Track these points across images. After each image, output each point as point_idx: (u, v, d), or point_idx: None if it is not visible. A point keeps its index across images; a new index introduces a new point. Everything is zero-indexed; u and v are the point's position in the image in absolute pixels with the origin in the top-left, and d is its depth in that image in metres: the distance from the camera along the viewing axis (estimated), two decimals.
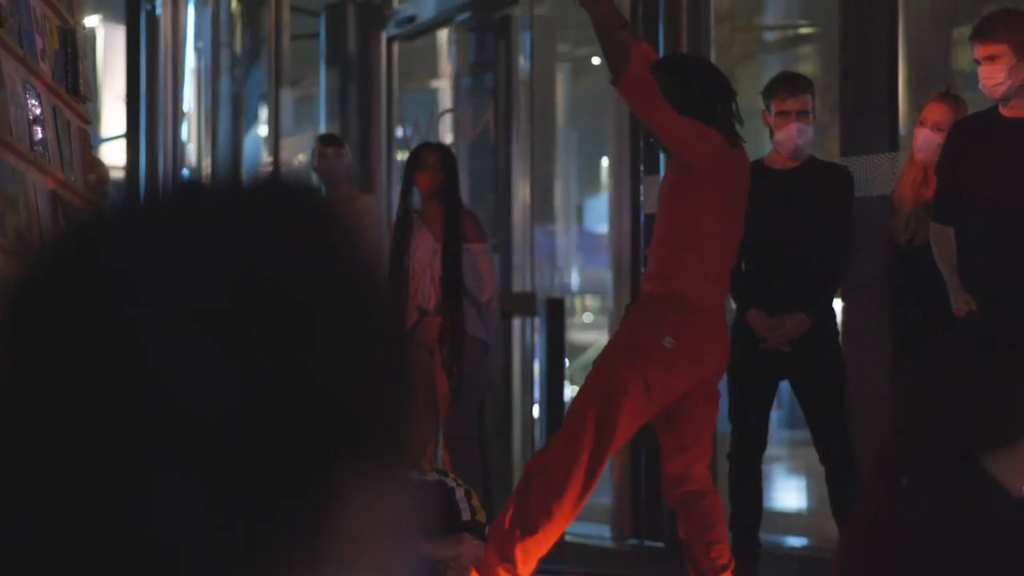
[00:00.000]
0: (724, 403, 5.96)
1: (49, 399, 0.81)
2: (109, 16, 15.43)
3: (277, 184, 0.88)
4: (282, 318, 0.81)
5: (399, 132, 9.63)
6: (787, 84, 5.71)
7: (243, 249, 0.82)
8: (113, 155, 13.32)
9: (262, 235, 0.83)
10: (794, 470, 10.33)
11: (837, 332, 5.78)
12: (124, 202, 0.86)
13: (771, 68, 9.74)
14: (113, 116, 13.82)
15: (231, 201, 0.86)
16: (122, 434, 0.79)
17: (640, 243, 7.34)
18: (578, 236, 10.58)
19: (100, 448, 0.79)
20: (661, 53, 7.30)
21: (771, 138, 5.78)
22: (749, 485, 5.73)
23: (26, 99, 4.00)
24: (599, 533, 7.70)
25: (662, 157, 7.16)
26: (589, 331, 11.50)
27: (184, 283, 0.81)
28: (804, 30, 10.52)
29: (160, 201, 0.86)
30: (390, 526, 0.86)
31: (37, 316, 0.83)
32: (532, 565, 4.58)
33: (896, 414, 2.52)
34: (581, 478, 4.59)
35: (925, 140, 5.60)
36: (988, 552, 2.33)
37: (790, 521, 8.31)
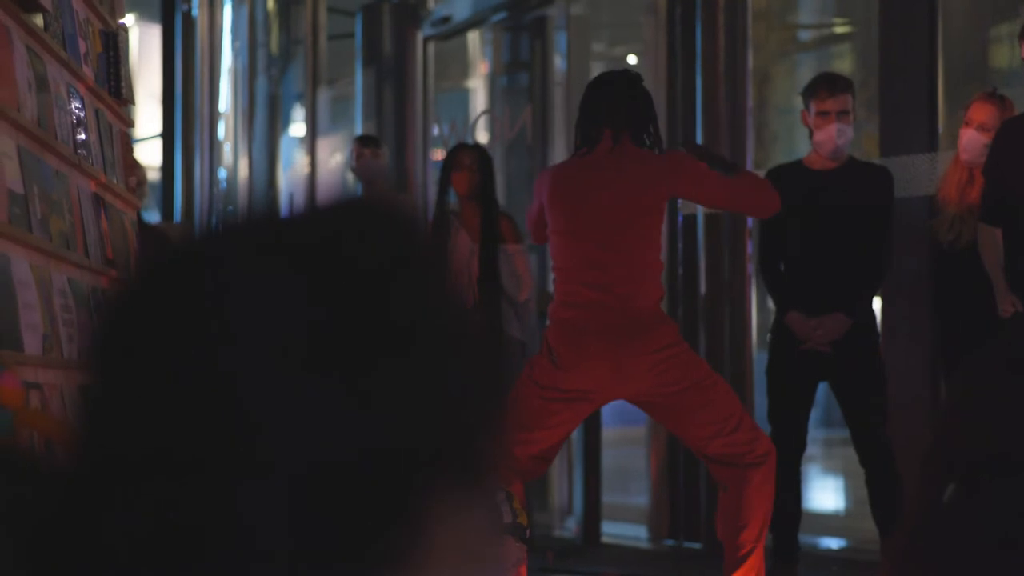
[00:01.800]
0: (763, 404, 5.95)
1: (146, 425, 0.81)
2: (144, 15, 15.51)
3: (378, 212, 0.87)
4: (378, 348, 0.81)
5: (434, 131, 9.63)
6: (827, 84, 5.68)
7: (341, 281, 0.82)
8: (147, 155, 13.38)
9: (363, 265, 0.83)
10: (831, 470, 10.30)
11: (877, 333, 5.76)
12: (222, 228, 0.86)
13: (806, 67, 9.71)
14: (147, 116, 13.87)
15: (332, 230, 0.85)
16: (217, 467, 0.79)
17: (678, 244, 7.33)
18: None
19: (193, 480, 0.79)
20: (699, 53, 7.28)
21: (811, 139, 5.76)
22: (788, 487, 5.71)
23: (70, 102, 4.01)
24: (636, 534, 7.69)
25: None
26: None
27: (281, 314, 0.81)
28: (839, 29, 10.48)
29: (260, 227, 0.86)
30: (476, 540, 0.87)
31: (133, 338, 0.83)
32: None
33: (940, 423, 2.50)
34: None
35: (970, 140, 5.57)
36: None
37: (828, 522, 8.28)
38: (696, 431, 4.89)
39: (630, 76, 5.07)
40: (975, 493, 2.28)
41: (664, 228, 7.36)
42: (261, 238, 0.86)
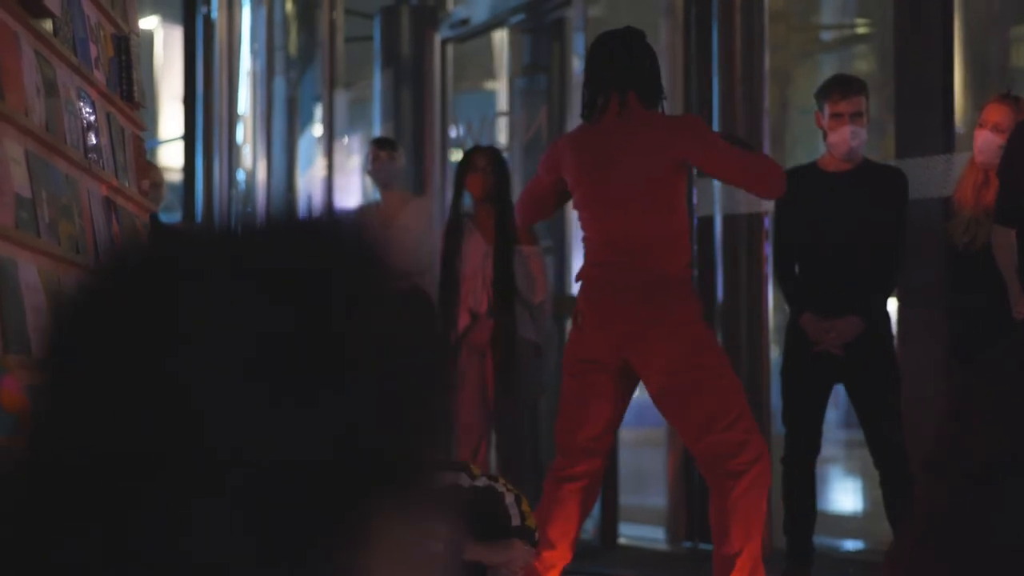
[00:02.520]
0: (777, 405, 5.95)
1: (93, 426, 0.82)
2: (168, 17, 15.57)
3: (328, 225, 0.88)
4: (327, 360, 0.82)
5: (452, 132, 9.64)
6: (840, 86, 5.67)
7: (294, 295, 0.83)
8: (172, 157, 13.44)
9: (312, 280, 0.84)
10: (850, 471, 10.27)
11: (891, 335, 5.74)
12: (180, 236, 0.87)
13: (828, 67, 9.70)
14: (172, 117, 13.93)
15: (286, 243, 0.87)
16: (165, 469, 0.80)
17: (694, 246, 7.32)
18: None
19: (142, 482, 0.80)
20: (715, 55, 7.27)
21: (824, 140, 5.75)
22: (802, 489, 5.70)
23: (80, 106, 4.03)
24: (653, 536, 7.69)
25: None
26: None
27: (234, 324, 0.82)
28: (861, 29, 10.46)
29: (215, 236, 0.87)
30: (418, 551, 0.87)
31: (86, 339, 0.84)
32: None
33: (946, 425, 2.49)
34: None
35: (985, 142, 5.55)
36: None
37: (846, 524, 8.26)
38: (691, 418, 4.86)
39: (630, 33, 5.05)
40: (988, 493, 2.27)
41: None
42: (217, 246, 0.87)
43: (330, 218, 0.90)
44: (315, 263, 0.86)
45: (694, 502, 7.40)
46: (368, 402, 0.84)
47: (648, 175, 4.88)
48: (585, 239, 5.09)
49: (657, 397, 4.98)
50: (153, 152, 15.54)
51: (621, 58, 4.94)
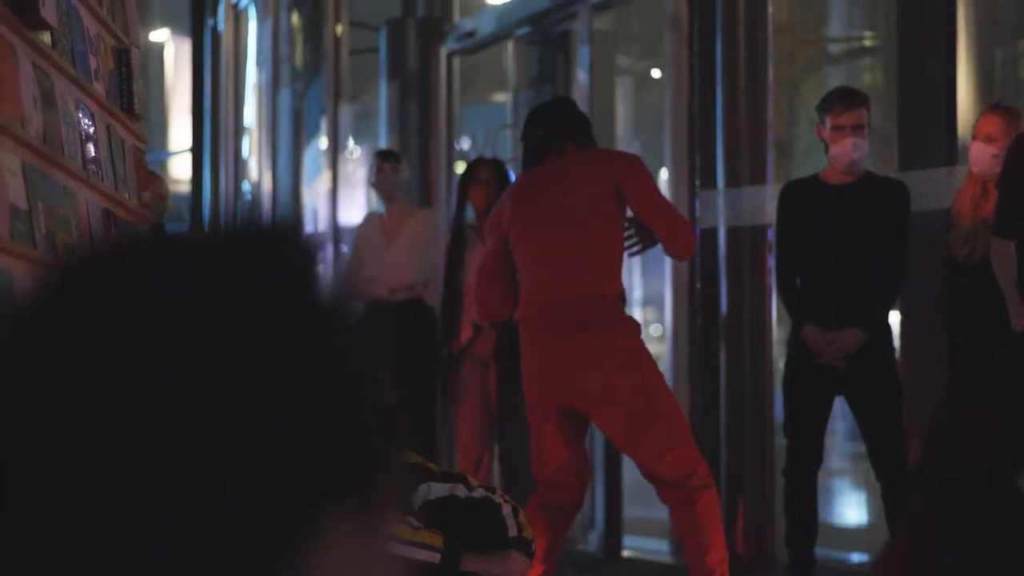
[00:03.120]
0: (780, 417, 5.94)
1: (35, 434, 0.82)
2: (178, 30, 15.62)
3: (272, 231, 0.89)
4: (275, 366, 0.82)
5: (466, 144, 9.65)
6: (842, 99, 5.68)
7: (242, 297, 0.84)
8: (183, 168, 13.47)
9: (260, 283, 0.84)
10: (857, 484, 10.25)
11: (893, 348, 5.74)
12: (128, 243, 0.87)
13: (835, 79, 9.69)
14: (183, 129, 13.95)
15: (232, 248, 0.87)
16: (111, 476, 0.80)
17: (697, 258, 7.31)
18: None
19: (88, 489, 0.80)
20: (719, 67, 7.28)
21: (826, 153, 5.75)
22: (804, 501, 5.69)
23: (79, 118, 4.05)
24: (658, 548, 7.68)
25: (720, 170, 7.15)
26: (659, 344, 11.45)
27: (183, 330, 0.82)
28: (867, 42, 10.46)
29: (164, 245, 0.87)
30: (375, 555, 0.87)
31: (32, 346, 0.84)
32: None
33: (942, 431, 2.49)
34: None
35: (979, 153, 5.54)
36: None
37: (852, 537, 8.24)
38: (648, 445, 4.97)
39: (564, 101, 5.40)
40: (981, 500, 2.26)
41: None
42: (171, 253, 0.87)
43: (281, 228, 0.90)
44: (268, 272, 0.86)
45: None
46: (320, 408, 0.84)
47: (588, 201, 5.05)
48: (521, 276, 5.16)
49: (610, 429, 5.08)
50: (164, 164, 15.57)
51: (561, 118, 5.18)
